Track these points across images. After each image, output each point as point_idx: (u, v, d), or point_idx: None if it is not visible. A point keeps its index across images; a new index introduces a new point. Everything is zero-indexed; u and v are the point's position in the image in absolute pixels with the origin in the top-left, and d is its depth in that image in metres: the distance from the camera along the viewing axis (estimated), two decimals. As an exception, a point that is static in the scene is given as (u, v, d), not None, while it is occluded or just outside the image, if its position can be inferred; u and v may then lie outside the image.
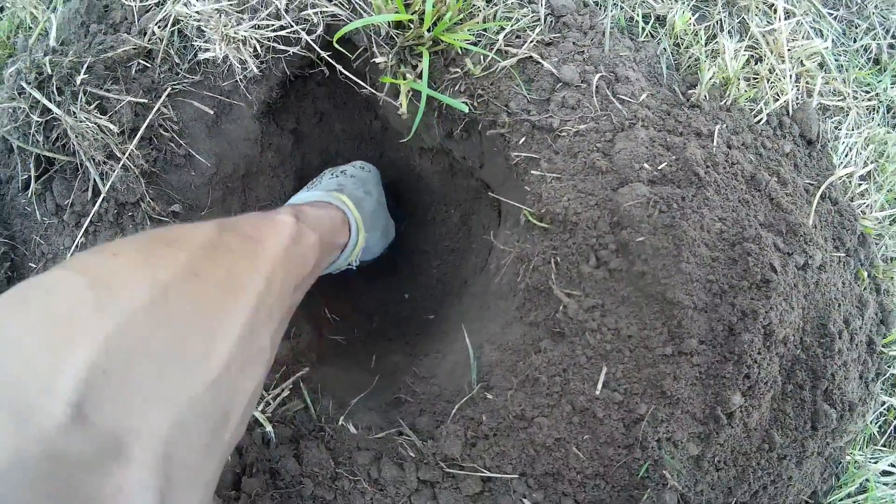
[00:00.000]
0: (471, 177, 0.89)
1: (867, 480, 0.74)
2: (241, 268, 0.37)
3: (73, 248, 0.73)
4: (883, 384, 0.74)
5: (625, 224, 0.59)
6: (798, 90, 0.68)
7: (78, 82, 0.72)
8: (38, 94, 0.72)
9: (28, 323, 0.26)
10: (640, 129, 0.64)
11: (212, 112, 0.76)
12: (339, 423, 0.69)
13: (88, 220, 0.74)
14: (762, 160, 0.64)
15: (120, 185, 0.72)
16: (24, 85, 0.74)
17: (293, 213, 0.52)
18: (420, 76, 0.66)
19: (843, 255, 0.65)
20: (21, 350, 0.25)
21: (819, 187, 0.67)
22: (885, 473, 0.74)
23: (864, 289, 0.68)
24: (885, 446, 0.76)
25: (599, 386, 0.57)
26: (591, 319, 0.60)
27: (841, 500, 0.72)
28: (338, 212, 0.67)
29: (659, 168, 0.60)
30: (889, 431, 0.79)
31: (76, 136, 0.71)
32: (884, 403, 0.75)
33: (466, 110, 0.65)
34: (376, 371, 0.77)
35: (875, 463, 0.72)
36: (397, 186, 0.93)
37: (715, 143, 0.62)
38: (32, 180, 0.75)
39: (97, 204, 0.73)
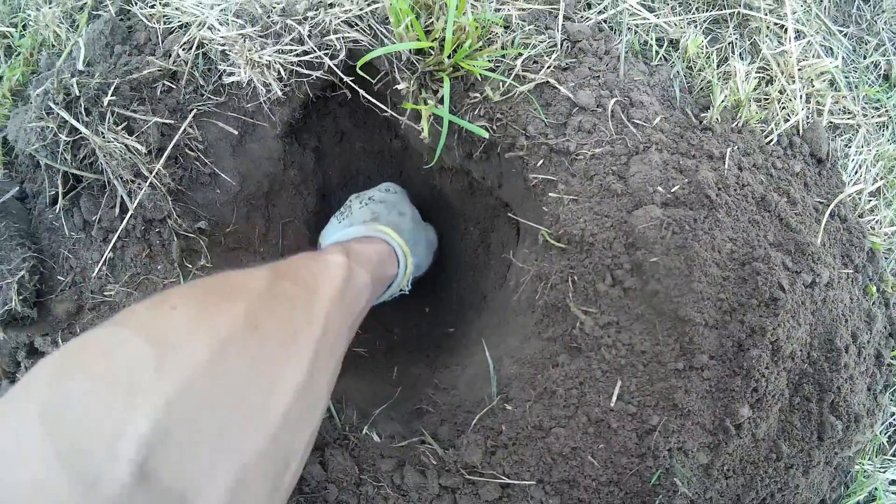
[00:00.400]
0: (490, 196, 0.96)
1: (876, 490, 0.81)
2: (298, 316, 0.39)
3: (101, 262, 0.81)
4: (892, 395, 0.81)
5: (639, 245, 0.66)
6: (808, 109, 0.75)
7: (105, 103, 0.80)
8: (66, 115, 0.80)
9: (90, 386, 0.28)
10: (653, 153, 0.71)
11: (236, 132, 0.83)
12: (363, 432, 0.76)
13: (116, 235, 0.81)
14: (772, 180, 0.71)
15: (147, 203, 0.80)
16: (52, 105, 0.82)
17: (343, 251, 0.55)
18: (441, 101, 0.73)
19: (852, 271, 0.71)
20: (85, 415, 0.26)
21: (828, 206, 0.73)
22: (893, 483, 0.81)
23: (873, 303, 0.75)
24: (894, 456, 0.82)
25: (614, 398, 0.65)
26: (607, 335, 0.67)
27: (856, 505, 0.80)
28: (383, 244, 0.71)
29: (672, 191, 0.67)
30: (899, 441, 0.86)
31: (104, 156, 0.79)
32: (893, 414, 0.82)
33: (486, 136, 0.72)
34: (398, 382, 0.84)
35: (884, 472, 0.79)
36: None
37: (726, 166, 0.69)
38: (60, 196, 0.83)
39: (125, 221, 0.80)
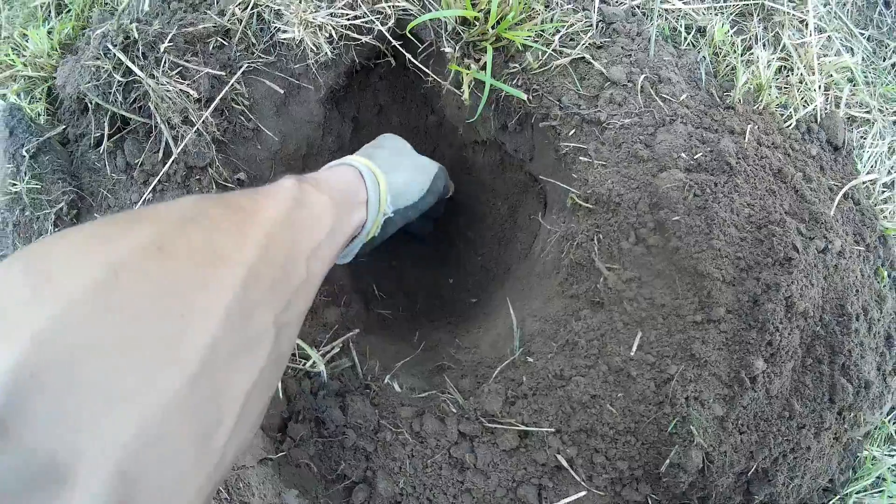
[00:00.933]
0: (520, 170, 1.07)
1: (883, 479, 0.89)
2: (223, 238, 0.34)
3: (139, 202, 0.91)
4: None
5: (662, 205, 0.76)
6: (826, 100, 0.87)
7: (161, 49, 0.91)
8: (123, 56, 0.91)
9: None
10: (679, 125, 0.82)
11: (282, 92, 0.95)
12: (385, 381, 0.84)
13: (157, 179, 0.92)
14: (790, 159, 0.82)
15: (192, 149, 0.91)
16: (110, 46, 0.93)
17: (294, 177, 0.51)
18: (483, 68, 0.85)
19: (863, 248, 0.81)
20: None
21: (842, 187, 0.84)
22: None
23: (884, 285, 0.84)
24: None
25: (634, 348, 0.73)
26: (629, 290, 0.76)
27: (858, 492, 0.87)
28: (345, 168, 0.69)
29: (695, 158, 0.78)
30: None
31: (156, 99, 0.90)
32: None
33: (525, 97, 0.84)
34: (419, 346, 0.93)
35: (892, 457, 0.86)
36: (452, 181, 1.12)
37: (746, 140, 0.80)
38: (105, 138, 0.93)
39: (167, 164, 0.91)
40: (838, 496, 0.87)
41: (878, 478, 0.88)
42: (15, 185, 0.82)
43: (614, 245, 0.78)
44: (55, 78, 1.02)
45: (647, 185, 0.77)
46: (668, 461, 0.70)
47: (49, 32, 1.06)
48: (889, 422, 0.90)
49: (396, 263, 1.11)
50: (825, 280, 0.73)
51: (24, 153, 0.84)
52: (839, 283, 0.74)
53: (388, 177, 0.74)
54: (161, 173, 0.88)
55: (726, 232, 0.73)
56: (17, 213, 0.84)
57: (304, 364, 0.84)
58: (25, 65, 1.04)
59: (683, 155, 0.77)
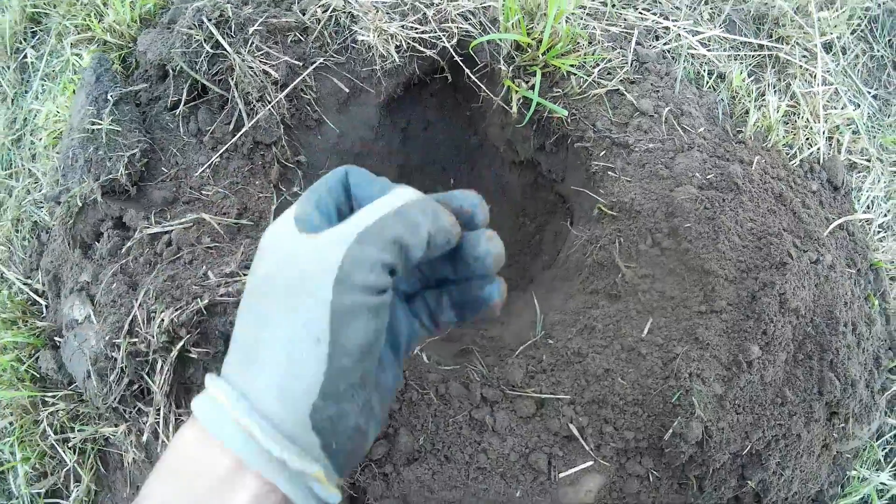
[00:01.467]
0: (550, 191, 1.33)
1: (871, 499, 1.09)
2: None
3: (206, 165, 1.14)
4: (888, 404, 1.11)
5: (677, 214, 1.02)
6: (830, 145, 1.14)
7: (250, 31, 1.18)
8: (215, 30, 1.17)
9: None
10: (696, 152, 1.09)
11: (346, 91, 1.23)
12: (414, 352, 1.06)
13: (225, 147, 1.17)
14: (791, 190, 1.09)
15: (263, 125, 1.17)
16: (205, 20, 1.20)
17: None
18: (531, 88, 1.14)
19: (854, 272, 1.06)
20: None
21: (839, 219, 1.11)
22: (882, 492, 1.09)
23: (874, 310, 1.08)
24: (891, 470, 1.11)
25: (646, 331, 0.97)
26: (643, 283, 1.01)
27: (845, 508, 1.06)
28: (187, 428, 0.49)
29: (707, 178, 1.05)
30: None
31: (239, 73, 1.15)
32: (893, 429, 1.12)
33: (566, 114, 1.12)
34: (446, 336, 1.15)
35: (878, 475, 1.07)
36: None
37: (753, 168, 1.07)
38: (182, 102, 1.19)
39: (237, 136, 1.17)
40: (828, 510, 1.07)
41: (864, 500, 1.08)
42: (97, 123, 1.08)
43: (633, 247, 1.03)
44: (132, 46, 1.30)
45: (664, 198, 1.03)
46: (671, 431, 0.91)
47: (132, 4, 1.33)
48: (878, 446, 1.11)
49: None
50: (816, 288, 0.98)
51: (109, 97, 1.10)
52: (829, 293, 0.98)
53: (242, 401, 0.46)
54: (230, 143, 1.14)
55: (730, 239, 0.98)
56: (90, 151, 1.08)
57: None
58: (104, 31, 1.32)
59: (697, 175, 1.04)
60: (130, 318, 1.00)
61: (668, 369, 0.92)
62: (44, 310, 1.23)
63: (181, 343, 0.96)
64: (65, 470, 1.20)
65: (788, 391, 0.93)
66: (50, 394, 1.16)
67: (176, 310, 0.96)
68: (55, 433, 1.16)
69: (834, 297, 0.97)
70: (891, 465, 1.09)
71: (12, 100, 1.44)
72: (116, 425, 1.16)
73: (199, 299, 0.98)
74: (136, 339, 0.99)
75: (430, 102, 1.35)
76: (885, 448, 1.11)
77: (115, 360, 0.99)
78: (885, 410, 1.06)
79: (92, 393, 1.03)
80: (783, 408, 0.93)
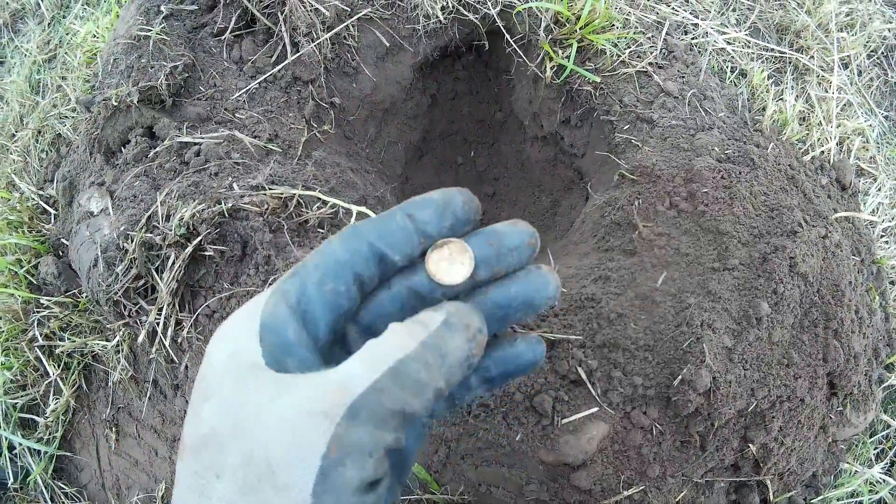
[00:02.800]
0: (569, 167, 1.38)
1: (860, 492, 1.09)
2: None
3: (244, 90, 1.18)
4: (884, 399, 1.13)
5: (695, 180, 1.06)
6: (840, 149, 1.21)
7: None
8: None
9: None
10: (715, 132, 1.15)
11: (387, 45, 1.29)
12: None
13: (264, 77, 1.21)
14: (802, 178, 1.14)
15: (305, 59, 1.21)
16: None
17: None
18: (567, 58, 1.20)
19: (858, 260, 1.10)
20: None
21: (846, 211, 1.15)
22: (872, 484, 1.09)
23: (876, 303, 1.12)
24: (882, 471, 1.11)
25: (660, 282, 0.99)
26: (659, 241, 1.03)
27: (839, 498, 1.06)
28: None
29: (725, 153, 1.10)
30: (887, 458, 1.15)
31: (291, 5, 1.21)
32: (886, 427, 1.13)
33: (598, 80, 1.18)
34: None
35: (870, 468, 1.07)
36: (501, 173, 1.42)
37: (769, 151, 1.13)
38: (229, 30, 1.23)
39: (278, 67, 1.20)
40: (820, 497, 1.07)
41: (854, 493, 1.09)
42: (146, 30, 1.11)
43: (651, 208, 1.07)
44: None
45: (684, 165, 1.08)
46: (680, 377, 0.92)
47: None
48: (871, 444, 1.12)
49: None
50: (824, 261, 1.02)
51: (162, 9, 1.14)
52: (835, 268, 1.02)
53: None
54: (270, 73, 1.18)
55: (745, 206, 1.02)
56: (133, 58, 1.11)
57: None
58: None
59: (717, 149, 1.09)
60: (150, 213, 1.00)
61: (680, 317, 0.94)
62: (52, 219, 1.23)
63: (199, 238, 0.96)
64: (46, 382, 1.16)
65: (795, 353, 0.95)
66: (45, 298, 1.14)
67: (199, 204, 0.96)
68: (43, 340, 1.13)
69: (840, 273, 1.00)
70: (882, 462, 1.09)
71: (49, 23, 1.47)
72: (108, 339, 1.14)
73: (222, 202, 0.99)
74: (152, 234, 0.99)
75: (461, 75, 1.41)
76: (877, 447, 1.12)
77: (126, 251, 0.98)
78: (880, 403, 1.07)
79: (94, 283, 1.02)
80: (789, 369, 0.95)
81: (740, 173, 1.06)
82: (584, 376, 0.96)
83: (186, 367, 1.06)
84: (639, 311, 0.97)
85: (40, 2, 1.50)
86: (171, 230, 0.98)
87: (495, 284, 0.45)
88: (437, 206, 0.42)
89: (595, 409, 0.95)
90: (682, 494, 0.99)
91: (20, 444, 1.21)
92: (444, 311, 0.40)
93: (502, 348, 0.48)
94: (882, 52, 1.44)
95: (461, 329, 0.40)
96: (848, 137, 1.24)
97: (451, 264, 0.43)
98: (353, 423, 0.34)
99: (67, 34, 1.40)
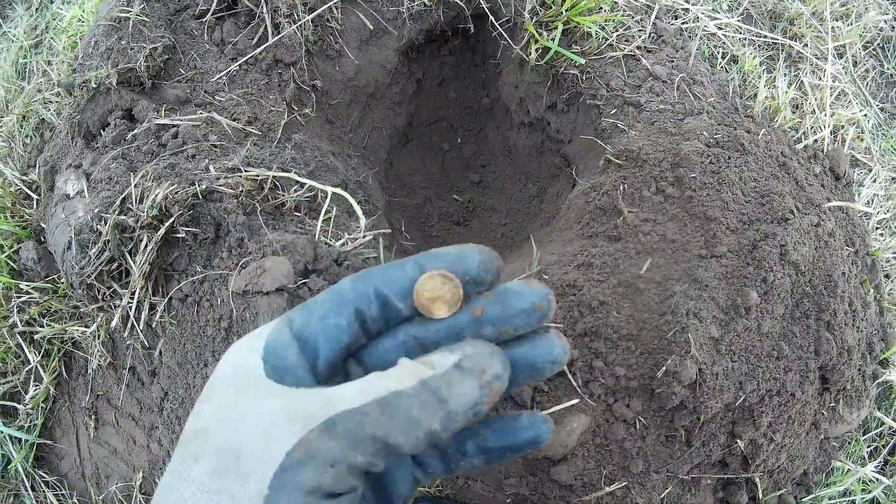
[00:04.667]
0: (556, 154, 1.31)
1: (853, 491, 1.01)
2: None
3: (224, 73, 1.12)
4: (879, 393, 1.06)
5: (683, 164, 0.99)
6: (834, 138, 1.14)
7: None
8: None
9: None
10: (704, 116, 1.08)
11: (370, 28, 1.22)
12: None
13: (245, 59, 1.14)
14: (795, 163, 1.07)
15: (287, 41, 1.15)
16: None
17: None
18: (552, 40, 1.13)
19: (852, 251, 1.02)
20: None
21: (839, 202, 1.08)
22: (865, 483, 1.02)
23: (870, 296, 1.04)
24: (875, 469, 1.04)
25: (644, 268, 0.92)
26: (644, 227, 0.96)
27: (830, 497, 0.98)
28: None
29: (714, 137, 1.02)
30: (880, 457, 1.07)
31: None
32: (880, 425, 1.05)
33: (583, 62, 1.11)
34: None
35: (863, 467, 1.00)
36: (488, 160, 1.35)
37: (759, 137, 1.05)
38: (210, 12, 1.17)
39: (259, 49, 1.14)
40: (811, 496, 0.99)
41: (846, 492, 1.01)
42: (126, 11, 1.05)
43: (636, 193, 1.00)
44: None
45: (671, 150, 1.01)
46: (664, 368, 0.85)
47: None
48: (864, 442, 1.05)
49: (423, 220, 1.32)
50: (816, 251, 0.94)
51: None
52: (828, 258, 0.95)
53: None
54: (251, 55, 1.12)
55: (734, 192, 0.95)
56: (113, 39, 1.05)
57: (336, 242, 1.01)
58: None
59: (705, 133, 1.02)
60: (124, 195, 0.94)
61: (664, 306, 0.87)
62: (35, 204, 1.17)
63: (171, 220, 0.90)
64: (26, 370, 1.11)
65: (785, 345, 0.88)
66: (24, 284, 1.08)
67: (172, 185, 0.90)
68: (23, 326, 1.07)
69: (833, 263, 0.93)
70: (875, 460, 1.02)
71: (37, 8, 1.43)
72: (87, 325, 1.09)
73: (196, 184, 0.93)
74: (125, 216, 0.93)
75: (448, 60, 1.35)
76: (870, 445, 1.04)
77: (100, 233, 0.93)
78: (874, 400, 1.00)
79: (69, 266, 0.96)
80: (779, 362, 0.87)
81: (730, 158, 0.99)
82: (564, 367, 0.89)
83: (160, 352, 1.00)
84: (621, 299, 0.90)
85: (28, -12, 1.45)
86: (143, 212, 0.92)
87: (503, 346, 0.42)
88: (450, 260, 0.41)
89: (576, 401, 0.89)
90: (666, 491, 0.92)
91: (0, 433, 1.16)
92: (459, 353, 0.39)
93: (503, 420, 0.45)
94: (878, 44, 1.37)
95: (473, 374, 0.38)
96: (842, 127, 1.17)
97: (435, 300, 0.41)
98: (326, 434, 0.35)
99: (54, 19, 1.35)
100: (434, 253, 0.42)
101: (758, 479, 0.94)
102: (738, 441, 0.89)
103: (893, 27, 1.38)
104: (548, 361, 0.43)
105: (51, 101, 1.22)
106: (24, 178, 1.20)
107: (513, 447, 0.44)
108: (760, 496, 0.96)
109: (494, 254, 0.42)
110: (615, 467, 0.89)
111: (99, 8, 1.16)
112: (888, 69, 1.35)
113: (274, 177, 0.98)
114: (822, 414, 0.96)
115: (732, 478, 0.95)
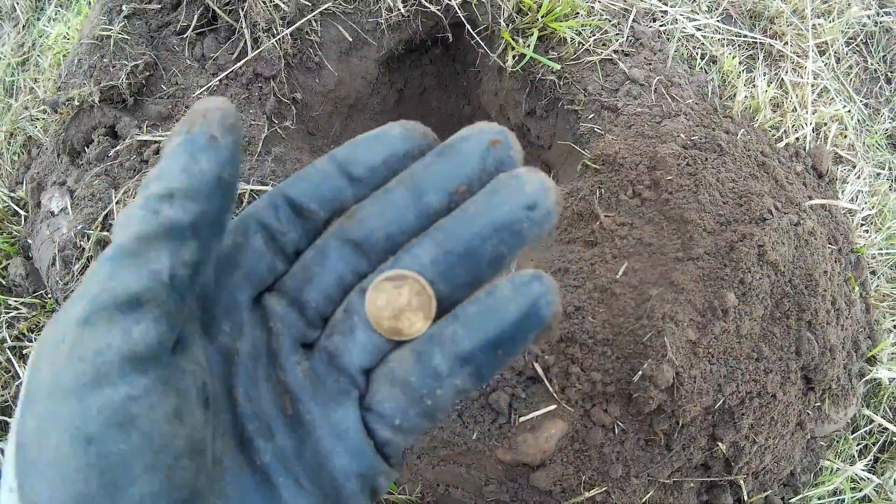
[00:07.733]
0: (537, 160, 1.30)
1: (842, 490, 0.99)
2: None
3: (205, 88, 1.12)
4: (865, 394, 1.03)
5: (659, 167, 0.97)
6: (817, 136, 1.11)
7: None
8: None
9: None
10: (682, 118, 1.06)
11: (350, 40, 1.22)
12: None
13: (225, 73, 1.15)
14: (775, 162, 1.05)
15: (266, 56, 1.15)
16: None
17: None
18: (528, 46, 1.12)
19: (835, 248, 1.00)
20: None
21: (822, 199, 1.06)
22: (854, 482, 0.99)
23: (854, 292, 1.02)
24: (864, 468, 1.01)
25: (620, 273, 0.90)
26: (621, 230, 0.95)
27: (819, 497, 0.96)
28: None
29: (692, 139, 1.01)
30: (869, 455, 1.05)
31: (250, 2, 1.14)
32: (869, 423, 1.03)
33: (558, 67, 1.10)
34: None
35: (852, 465, 0.97)
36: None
37: (738, 137, 1.03)
38: (191, 28, 1.17)
39: (239, 63, 1.14)
40: (799, 496, 0.97)
41: (836, 491, 0.99)
42: (107, 30, 1.05)
43: (613, 197, 0.98)
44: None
45: (648, 153, 0.99)
46: (640, 373, 0.84)
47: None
48: (853, 440, 1.02)
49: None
50: (796, 250, 0.92)
51: (123, 9, 1.08)
52: (809, 257, 0.93)
53: None
54: (230, 70, 1.12)
55: (711, 193, 0.93)
56: (95, 58, 1.06)
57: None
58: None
59: (682, 135, 1.00)
60: (106, 211, 0.94)
61: (640, 310, 0.85)
62: (23, 221, 1.18)
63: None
64: (16, 384, 1.11)
65: (765, 347, 0.86)
66: (13, 299, 1.09)
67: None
68: (13, 341, 1.08)
69: (814, 262, 0.91)
70: (865, 458, 0.99)
71: (24, 25, 1.43)
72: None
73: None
74: (107, 232, 0.93)
75: (429, 69, 1.34)
76: (859, 443, 1.02)
77: (83, 249, 0.93)
78: (861, 398, 0.97)
79: (53, 282, 0.96)
80: (759, 363, 0.86)
81: (706, 159, 0.97)
82: (540, 372, 0.88)
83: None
84: (597, 304, 0.89)
85: (15, 4, 1.46)
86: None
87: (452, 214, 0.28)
88: (366, 140, 0.30)
89: (553, 407, 0.87)
90: (648, 495, 0.90)
91: (-6, 447, 1.16)
92: None
93: (475, 303, 0.27)
94: (861, 39, 1.34)
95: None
96: (825, 124, 1.15)
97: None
98: None
99: (41, 36, 1.36)
100: (348, 143, 0.31)
101: (742, 482, 0.92)
102: (720, 444, 0.88)
103: (877, 22, 1.36)
104: (522, 207, 0.27)
105: (38, 119, 1.23)
106: (12, 194, 1.21)
107: (501, 336, 0.27)
108: (745, 498, 0.94)
109: (421, 125, 0.30)
110: (594, 472, 0.88)
111: (83, 26, 1.16)
112: (872, 64, 1.33)
113: (252, 190, 0.97)
114: (808, 414, 0.94)
115: (716, 480, 0.93)
